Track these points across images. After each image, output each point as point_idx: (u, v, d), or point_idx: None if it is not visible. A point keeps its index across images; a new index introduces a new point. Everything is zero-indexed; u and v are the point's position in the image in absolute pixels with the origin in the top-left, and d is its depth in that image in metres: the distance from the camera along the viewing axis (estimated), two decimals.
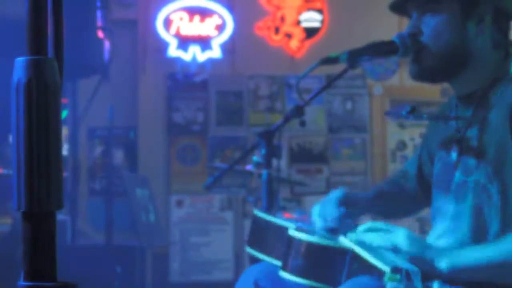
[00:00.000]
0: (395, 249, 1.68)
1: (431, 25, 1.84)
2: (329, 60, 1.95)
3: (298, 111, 2.46)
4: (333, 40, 5.96)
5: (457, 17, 1.83)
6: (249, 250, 2.03)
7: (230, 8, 6.14)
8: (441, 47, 1.83)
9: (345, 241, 1.75)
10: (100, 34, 5.06)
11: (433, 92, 5.35)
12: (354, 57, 1.92)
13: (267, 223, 2.00)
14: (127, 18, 6.07)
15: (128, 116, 6.02)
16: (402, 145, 6.27)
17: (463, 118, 1.85)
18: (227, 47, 6.13)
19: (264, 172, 2.50)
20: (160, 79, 6.12)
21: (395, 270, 1.54)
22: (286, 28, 6.19)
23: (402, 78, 6.12)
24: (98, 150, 6.14)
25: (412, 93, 5.75)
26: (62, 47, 1.05)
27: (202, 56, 6.10)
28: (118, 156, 6.10)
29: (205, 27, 6.12)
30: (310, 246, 1.78)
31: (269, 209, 2.51)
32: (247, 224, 5.45)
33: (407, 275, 1.54)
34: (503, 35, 1.87)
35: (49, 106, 0.98)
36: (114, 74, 5.43)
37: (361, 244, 1.72)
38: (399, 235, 1.69)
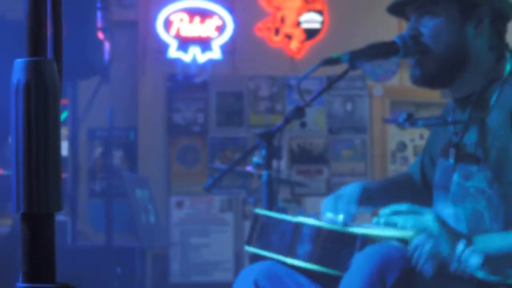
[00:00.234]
0: (425, 231, 1.70)
1: (430, 27, 1.84)
2: (331, 61, 1.95)
3: (299, 112, 2.45)
4: (333, 41, 5.96)
5: (455, 19, 1.83)
6: (248, 248, 2.02)
7: (230, 9, 6.13)
8: (441, 49, 1.83)
9: (352, 228, 1.76)
10: (100, 35, 5.06)
11: (433, 93, 5.32)
12: (356, 57, 1.91)
13: (270, 218, 1.99)
14: (127, 19, 6.07)
15: (128, 117, 6.02)
16: (402, 146, 6.27)
17: (460, 122, 1.86)
18: (227, 48, 6.13)
19: (264, 173, 2.49)
20: (160, 80, 6.11)
21: (419, 231, 1.66)
22: (286, 29, 6.19)
23: (402, 79, 6.11)
24: (98, 151, 6.14)
25: (412, 94, 5.74)
26: (61, 48, 1.05)
27: (202, 57, 6.10)
28: (118, 157, 6.09)
29: (205, 28, 6.11)
30: (319, 231, 1.79)
31: (269, 210, 2.51)
32: (247, 225, 5.44)
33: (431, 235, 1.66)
34: (500, 37, 1.87)
35: (48, 108, 0.97)
36: (114, 75, 5.42)
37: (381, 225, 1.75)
38: (428, 218, 1.72)
